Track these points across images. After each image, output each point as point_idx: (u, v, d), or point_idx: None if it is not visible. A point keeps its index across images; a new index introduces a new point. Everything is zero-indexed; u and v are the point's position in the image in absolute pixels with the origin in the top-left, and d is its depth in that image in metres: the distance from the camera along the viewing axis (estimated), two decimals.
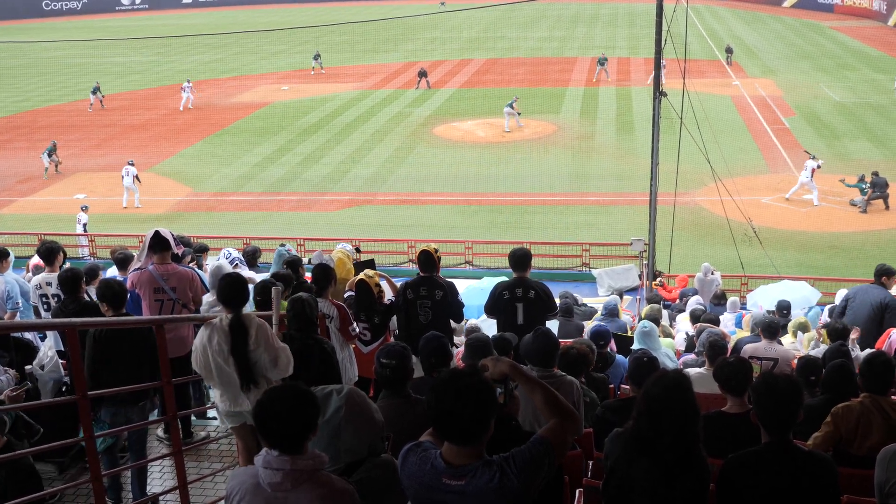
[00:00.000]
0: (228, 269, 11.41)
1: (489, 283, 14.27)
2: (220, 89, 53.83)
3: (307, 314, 7.36)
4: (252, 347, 6.76)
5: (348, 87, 52.56)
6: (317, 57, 56.98)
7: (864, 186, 28.13)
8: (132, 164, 31.34)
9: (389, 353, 5.64)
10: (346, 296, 10.14)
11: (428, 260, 9.85)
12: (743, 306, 16.81)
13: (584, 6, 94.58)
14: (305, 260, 13.47)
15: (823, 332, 10.97)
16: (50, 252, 10.72)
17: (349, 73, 57.47)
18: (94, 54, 66.80)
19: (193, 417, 9.33)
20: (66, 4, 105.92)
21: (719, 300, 16.21)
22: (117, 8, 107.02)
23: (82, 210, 26.94)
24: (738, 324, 14.29)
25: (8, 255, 11.19)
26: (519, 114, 40.28)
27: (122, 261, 11.08)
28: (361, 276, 9.85)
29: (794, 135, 37.43)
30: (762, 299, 16.48)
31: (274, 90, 51.98)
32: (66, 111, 48.91)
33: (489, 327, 11.13)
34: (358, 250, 14.68)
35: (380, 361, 5.62)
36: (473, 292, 15.77)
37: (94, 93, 48.85)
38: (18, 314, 10.63)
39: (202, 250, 13.55)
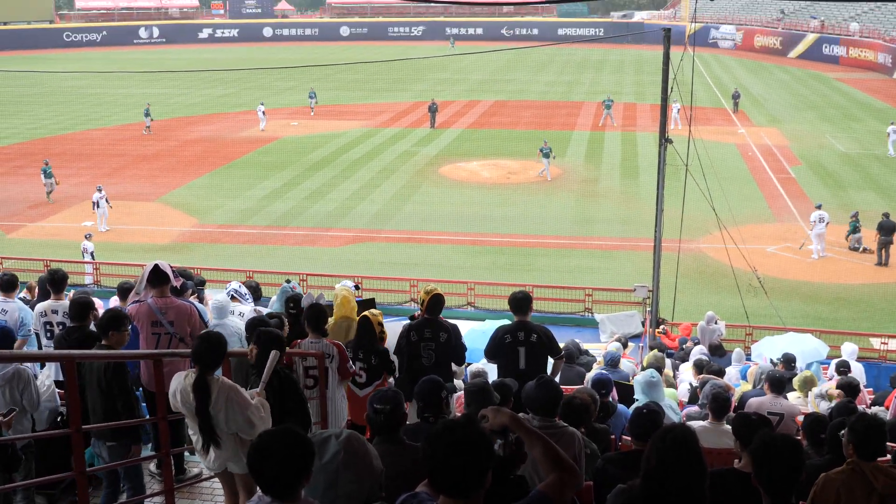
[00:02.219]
0: (227, 305, 11.38)
1: (492, 325, 14.18)
2: (231, 123, 54.11)
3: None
4: (213, 412, 6.62)
5: (357, 125, 52.78)
6: (312, 95, 57.14)
7: (857, 224, 28.26)
8: (101, 190, 31.78)
9: (383, 399, 5.58)
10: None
11: (437, 303, 9.79)
12: (748, 357, 16.68)
13: (592, 52, 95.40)
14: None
15: (831, 386, 10.86)
16: (60, 280, 10.73)
17: (358, 111, 57.76)
18: (111, 85, 67.29)
19: (186, 454, 9.23)
20: (87, 36, 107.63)
21: (716, 351, 16.09)
22: (135, 41, 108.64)
23: (86, 238, 26.96)
24: (744, 376, 14.17)
25: (17, 282, 11.21)
26: (554, 157, 39.44)
27: (125, 291, 11.04)
28: (366, 314, 9.78)
29: (799, 184, 37.44)
30: (767, 351, 16.36)
31: (283, 125, 52.21)
32: (79, 139, 49.22)
33: (490, 371, 11.03)
34: (357, 288, 14.63)
35: (373, 407, 5.56)
36: (475, 335, 15.64)
37: (146, 115, 50.23)
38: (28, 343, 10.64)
39: (201, 284, 13.50)
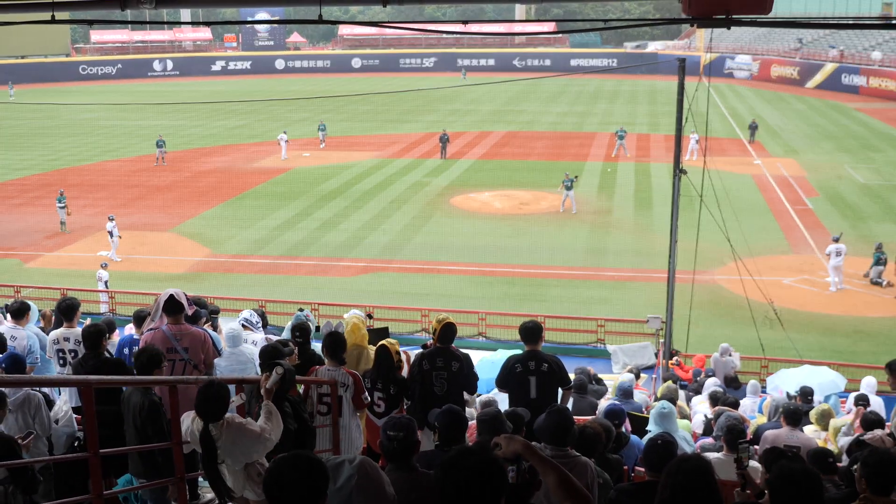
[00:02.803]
0: (240, 333, 11.41)
1: (503, 355, 14.13)
2: (244, 154, 54.41)
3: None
4: (221, 455, 6.69)
5: (368, 156, 53.00)
6: (322, 128, 57.47)
7: (881, 256, 27.98)
8: (112, 219, 31.97)
9: (396, 426, 5.56)
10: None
11: (450, 332, 9.79)
12: (763, 389, 16.54)
13: (605, 82, 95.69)
14: (314, 328, 13.40)
15: (848, 421, 10.73)
16: (70, 308, 10.83)
17: (370, 142, 58.01)
18: (126, 117, 67.85)
19: (200, 479, 9.21)
20: (102, 69, 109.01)
21: (731, 383, 15.96)
22: (149, 74, 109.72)
23: (102, 267, 27.10)
24: (761, 409, 14.03)
25: (28, 309, 11.28)
26: (573, 181, 38.96)
27: (141, 319, 11.11)
28: (384, 342, 9.79)
29: (817, 215, 37.30)
30: (783, 383, 16.21)
31: (295, 156, 52.45)
32: (95, 171, 49.60)
33: (501, 401, 10.98)
34: (370, 317, 14.62)
35: (386, 434, 5.54)
36: (486, 365, 15.57)
37: (158, 146, 50.47)
38: (35, 368, 10.69)
39: (215, 312, 13.52)
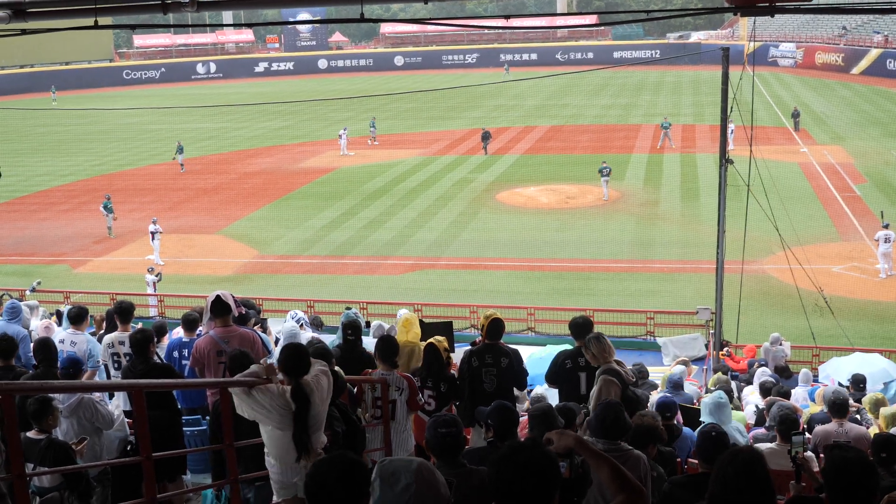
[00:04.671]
0: (298, 331, 11.52)
1: (552, 350, 14.11)
2: (288, 155, 54.78)
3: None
4: (314, 411, 6.78)
5: (413, 154, 53.11)
6: (373, 125, 57.79)
7: None
8: (155, 222, 32.25)
9: (446, 423, 5.57)
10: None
11: (498, 327, 9.79)
12: (815, 378, 16.35)
13: (648, 74, 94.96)
14: (363, 323, 13.47)
15: None
16: (125, 311, 10.97)
17: (414, 140, 58.13)
18: (170, 121, 68.66)
19: None
20: (146, 73, 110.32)
21: (783, 373, 15.79)
22: (193, 77, 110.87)
23: (149, 271, 27.37)
24: (812, 397, 13.86)
25: (87, 314, 11.48)
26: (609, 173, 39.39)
27: (189, 322, 11.23)
28: (432, 340, 9.81)
29: (865, 202, 36.74)
30: (835, 372, 16.01)
31: (340, 156, 52.70)
32: (140, 175, 50.22)
33: (552, 397, 10.97)
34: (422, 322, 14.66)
35: (436, 431, 5.55)
36: (535, 361, 15.54)
37: (179, 152, 50.35)
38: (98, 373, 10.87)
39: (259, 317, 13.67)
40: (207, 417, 9.16)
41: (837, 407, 9.57)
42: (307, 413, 6.70)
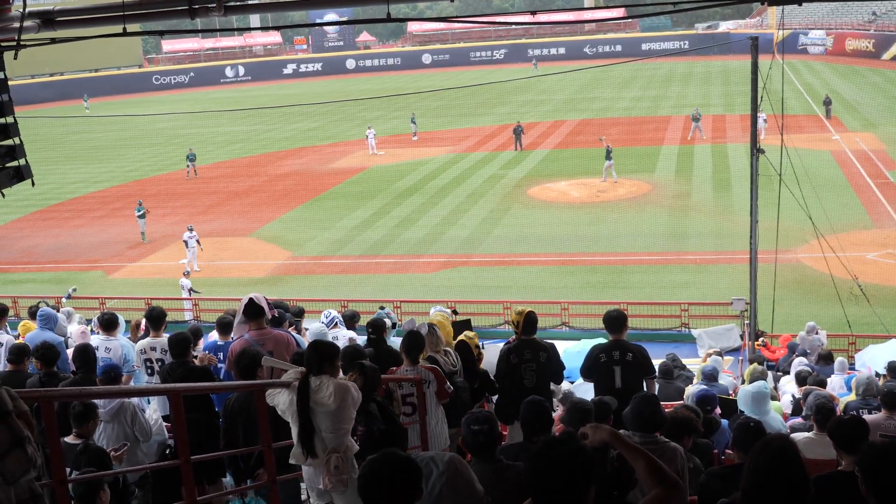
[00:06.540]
0: (325, 331, 11.59)
1: (586, 344, 14.10)
2: (319, 155, 55.03)
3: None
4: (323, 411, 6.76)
5: (443, 151, 53.14)
6: (413, 120, 57.90)
7: None
8: (191, 230, 32.07)
9: (479, 419, 5.59)
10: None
11: (532, 322, 9.80)
12: (852, 366, 16.22)
13: (677, 65, 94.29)
14: (391, 325, 13.55)
15: None
16: (157, 318, 11.08)
17: (444, 137, 58.15)
18: (200, 125, 69.15)
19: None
20: (175, 78, 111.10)
21: (825, 361, 15.67)
22: (222, 80, 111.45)
23: (184, 276, 27.58)
24: (849, 385, 13.74)
25: (118, 320, 11.61)
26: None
27: (224, 325, 11.33)
28: (462, 337, 9.85)
29: None
30: (871, 360, 15.87)
31: (370, 155, 52.86)
32: (172, 180, 50.62)
33: (586, 391, 10.97)
34: (455, 312, 14.70)
35: (470, 428, 5.57)
36: (569, 355, 15.52)
37: (190, 160, 50.26)
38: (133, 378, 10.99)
39: (299, 314, 13.74)
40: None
41: (889, 399, 9.31)
42: (306, 409, 6.68)
